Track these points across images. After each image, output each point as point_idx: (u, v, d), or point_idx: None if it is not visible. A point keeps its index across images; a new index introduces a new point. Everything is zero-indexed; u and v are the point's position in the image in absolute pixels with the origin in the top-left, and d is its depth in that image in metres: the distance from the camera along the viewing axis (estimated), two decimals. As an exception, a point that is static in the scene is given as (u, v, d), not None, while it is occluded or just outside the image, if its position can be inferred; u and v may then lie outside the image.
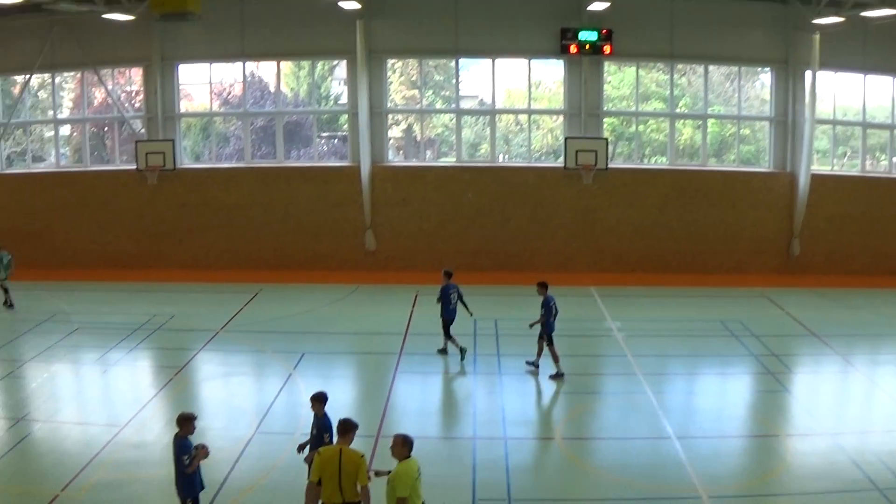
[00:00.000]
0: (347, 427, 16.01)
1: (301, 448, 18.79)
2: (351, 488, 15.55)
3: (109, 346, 31.77)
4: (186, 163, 44.80)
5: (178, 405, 24.80)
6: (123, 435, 23.90)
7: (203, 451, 17.12)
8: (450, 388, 28.26)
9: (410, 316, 33.98)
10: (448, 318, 29.70)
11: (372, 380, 28.71)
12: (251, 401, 26.34)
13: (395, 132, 46.09)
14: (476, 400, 26.40)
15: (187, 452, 16.87)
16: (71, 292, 39.95)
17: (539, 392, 27.38)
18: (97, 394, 28.47)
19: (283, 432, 20.51)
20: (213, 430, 23.42)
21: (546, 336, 28.04)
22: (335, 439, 16.42)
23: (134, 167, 43.29)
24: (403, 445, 15.63)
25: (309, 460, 17.97)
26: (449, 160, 44.19)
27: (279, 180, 42.94)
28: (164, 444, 21.40)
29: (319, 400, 18.51)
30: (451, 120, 44.09)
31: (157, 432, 24.00)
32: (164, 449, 20.00)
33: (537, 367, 28.43)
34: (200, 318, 34.93)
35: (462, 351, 29.40)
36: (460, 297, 29.78)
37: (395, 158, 44.37)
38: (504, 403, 25.76)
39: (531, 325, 28.17)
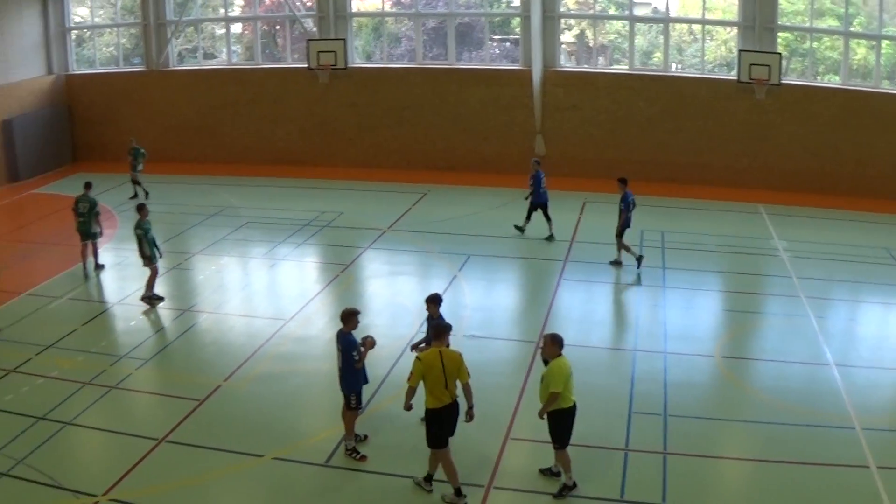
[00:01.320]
0: (444, 329, 16.61)
1: (414, 347, 19.13)
2: (455, 387, 16.14)
3: (277, 241, 32.64)
4: (357, 62, 45.04)
5: (342, 301, 25.35)
6: (288, 328, 24.66)
7: (370, 341, 17.63)
8: (613, 298, 28.12)
9: (577, 223, 33.81)
10: (540, 201, 32.15)
11: (536, 286, 28.77)
12: (415, 300, 26.46)
13: (567, 37, 45.48)
14: (639, 312, 26.34)
15: (354, 348, 17.38)
16: (240, 187, 40.94)
17: (701, 308, 27.11)
18: (263, 287, 29.33)
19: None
20: (377, 327, 23.94)
21: (622, 230, 29.13)
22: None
23: (305, 65, 43.82)
24: (553, 344, 16.21)
25: (417, 351, 18.60)
26: (621, 67, 43.43)
27: (450, 82, 42.93)
28: (327, 339, 22.02)
29: (434, 301, 18.82)
30: (624, 26, 43.37)
31: (320, 327, 24.72)
32: (328, 343, 20.57)
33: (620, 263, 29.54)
34: (368, 217, 35.36)
35: (520, 230, 32.87)
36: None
37: (566, 63, 43.90)
38: (666, 317, 25.58)
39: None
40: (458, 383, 16.19)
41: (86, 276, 29.31)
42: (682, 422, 19.39)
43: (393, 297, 27.55)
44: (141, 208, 26.85)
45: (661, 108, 40.48)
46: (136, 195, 38.40)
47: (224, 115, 45.79)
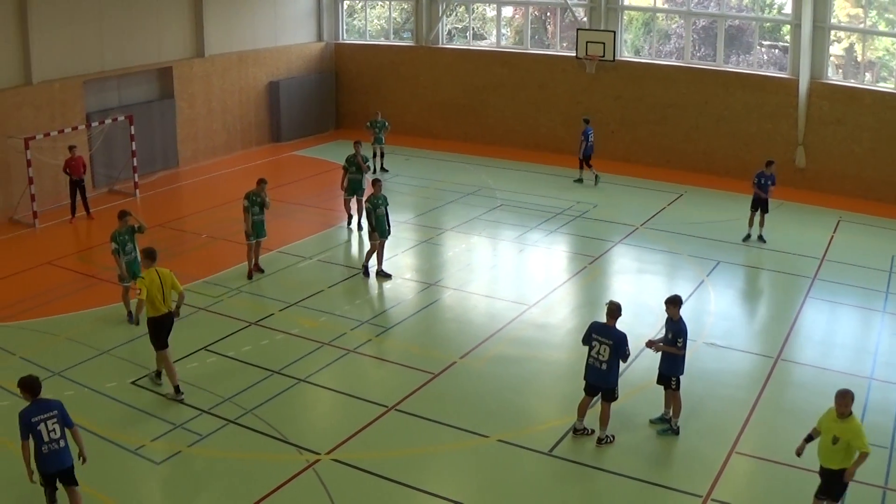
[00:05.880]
0: (152, 254, 19.50)
1: (650, 344, 18.85)
2: (171, 297, 19.46)
3: (529, 227, 32.65)
4: (625, 55, 44.53)
5: (587, 293, 25.31)
6: (529, 314, 24.60)
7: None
8: (856, 322, 26.50)
9: (830, 241, 32.45)
10: (588, 153, 38.46)
11: (782, 300, 27.57)
12: (659, 300, 25.75)
13: (836, 49, 43.83)
14: (880, 339, 24.75)
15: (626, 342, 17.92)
16: (498, 169, 41.12)
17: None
18: (510, 270, 29.32)
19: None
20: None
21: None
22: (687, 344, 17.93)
23: (573, 54, 43.66)
24: (844, 400, 14.72)
25: (653, 348, 18.85)
26: (887, 86, 41.55)
27: (716, 84, 41.94)
28: (567, 328, 21.90)
29: (675, 303, 18.61)
30: (893, 44, 41.57)
31: (562, 316, 24.57)
32: (567, 333, 20.47)
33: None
34: (622, 212, 34.90)
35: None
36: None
37: (833, 76, 42.35)
38: (908, 348, 24.23)
39: None
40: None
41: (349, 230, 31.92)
42: (909, 459, 18.28)
43: (637, 296, 26.80)
44: (375, 182, 27.30)
45: (925, 132, 38.24)
46: (382, 168, 39.76)
47: (488, 97, 46.13)
